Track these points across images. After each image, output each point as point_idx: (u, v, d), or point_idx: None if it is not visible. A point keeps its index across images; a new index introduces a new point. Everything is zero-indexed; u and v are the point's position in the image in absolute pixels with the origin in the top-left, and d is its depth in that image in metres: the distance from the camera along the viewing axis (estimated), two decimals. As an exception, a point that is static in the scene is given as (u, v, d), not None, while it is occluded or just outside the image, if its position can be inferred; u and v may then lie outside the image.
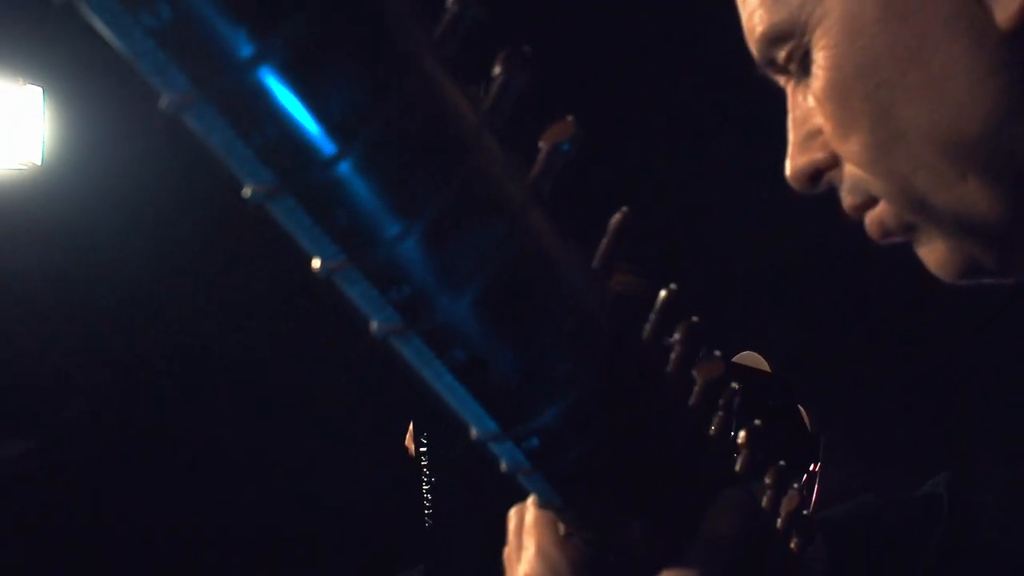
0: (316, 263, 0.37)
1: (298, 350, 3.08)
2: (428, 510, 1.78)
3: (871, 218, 0.59)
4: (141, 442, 2.98)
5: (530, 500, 0.58)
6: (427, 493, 1.78)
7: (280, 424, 2.94)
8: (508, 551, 0.62)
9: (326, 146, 0.33)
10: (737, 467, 0.61)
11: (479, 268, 0.38)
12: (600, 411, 0.43)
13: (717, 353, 0.56)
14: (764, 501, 0.62)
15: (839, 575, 0.88)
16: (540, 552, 0.56)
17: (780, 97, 0.63)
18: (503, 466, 0.45)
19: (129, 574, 2.96)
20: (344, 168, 0.34)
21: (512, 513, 0.62)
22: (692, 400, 0.54)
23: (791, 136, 0.60)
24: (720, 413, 0.58)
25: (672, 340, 0.52)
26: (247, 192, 0.34)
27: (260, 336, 3.11)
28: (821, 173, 0.60)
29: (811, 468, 1.35)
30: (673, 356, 0.52)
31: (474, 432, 0.43)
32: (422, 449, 1.77)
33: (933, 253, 0.58)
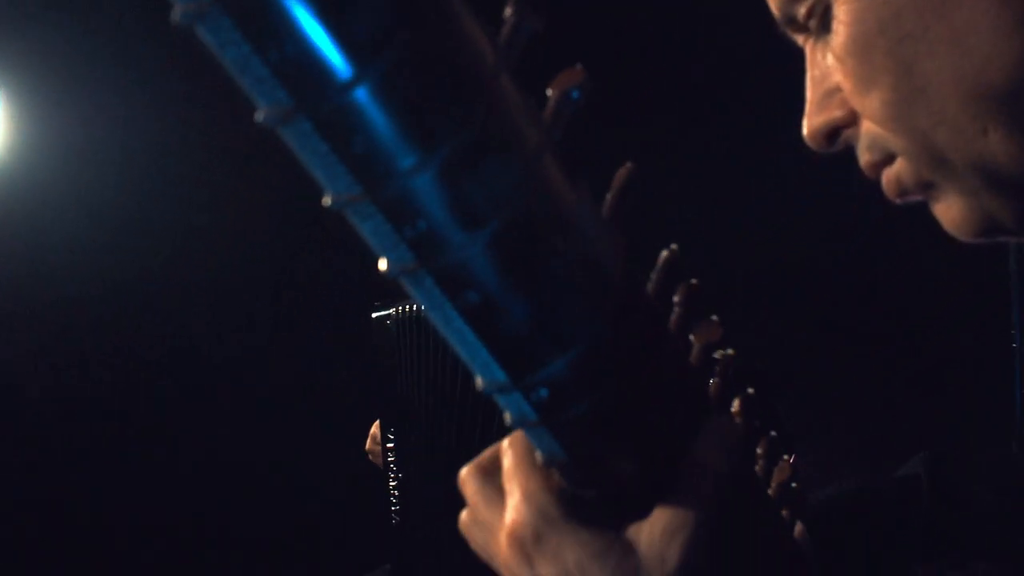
0: (328, 198, 0.36)
1: (261, 345, 3.04)
2: (395, 507, 1.75)
3: (888, 176, 0.59)
4: (93, 437, 2.92)
5: (505, 444, 0.54)
6: (394, 490, 1.75)
7: (243, 423, 2.90)
8: (467, 518, 0.57)
9: (345, 68, 0.32)
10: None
11: (494, 207, 0.37)
12: (609, 363, 0.42)
13: (715, 318, 0.55)
14: (757, 469, 0.62)
15: (824, 560, 0.88)
16: (526, 497, 0.51)
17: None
18: (508, 419, 0.44)
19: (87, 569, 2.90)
20: (362, 92, 0.33)
21: (467, 476, 0.56)
22: (692, 360, 0.54)
23: (809, 95, 0.59)
24: (717, 379, 0.57)
25: (673, 301, 0.52)
26: (260, 115, 0.33)
27: (218, 329, 3.07)
28: (839, 132, 0.60)
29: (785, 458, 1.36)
30: (673, 316, 0.52)
31: (481, 382, 0.42)
32: (388, 445, 1.74)
33: (950, 211, 0.58)
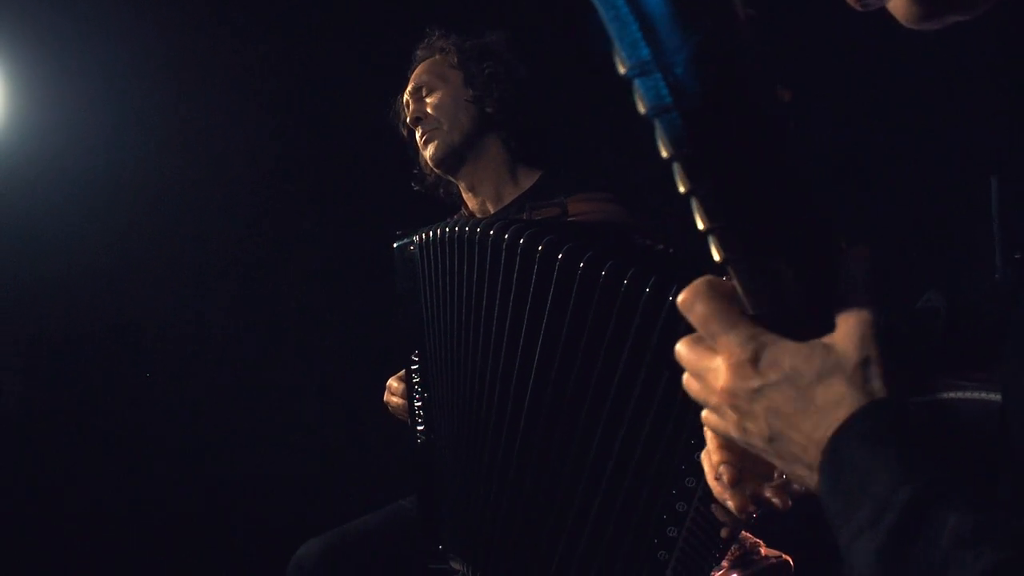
0: None
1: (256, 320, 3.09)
2: (420, 426, 1.81)
3: None
4: (74, 422, 2.95)
5: (694, 310, 0.68)
6: (419, 411, 1.80)
7: (270, 361, 2.96)
8: (686, 377, 0.73)
9: None
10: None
11: None
12: (722, 53, 0.51)
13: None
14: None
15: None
16: (732, 329, 0.66)
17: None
18: (643, 107, 0.52)
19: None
20: None
21: (680, 347, 0.72)
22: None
23: None
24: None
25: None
26: None
27: (205, 312, 3.11)
28: None
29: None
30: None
31: (624, 66, 0.50)
32: (413, 367, 1.80)
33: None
